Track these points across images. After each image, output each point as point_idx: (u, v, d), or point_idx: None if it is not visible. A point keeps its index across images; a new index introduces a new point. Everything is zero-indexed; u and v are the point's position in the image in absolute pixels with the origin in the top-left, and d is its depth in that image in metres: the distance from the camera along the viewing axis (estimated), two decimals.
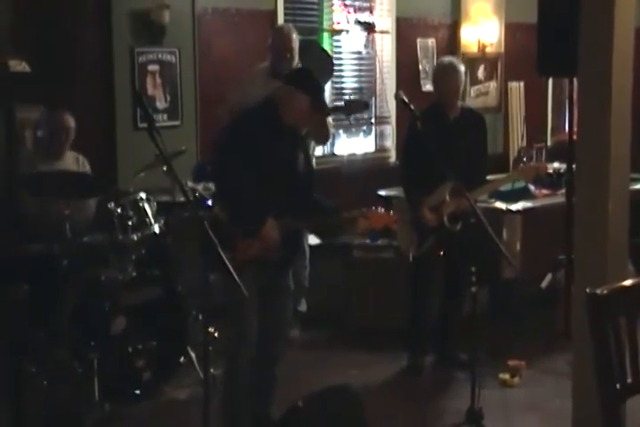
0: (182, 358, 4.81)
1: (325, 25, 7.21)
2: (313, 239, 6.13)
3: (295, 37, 5.60)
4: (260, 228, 3.88)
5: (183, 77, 6.13)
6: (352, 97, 6.08)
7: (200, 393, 3.73)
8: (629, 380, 2.45)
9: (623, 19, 3.48)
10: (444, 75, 5.15)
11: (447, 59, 5.40)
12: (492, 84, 8.32)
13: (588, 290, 2.42)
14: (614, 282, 2.57)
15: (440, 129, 4.74)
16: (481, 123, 5.27)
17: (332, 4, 7.22)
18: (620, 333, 2.43)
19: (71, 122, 4.94)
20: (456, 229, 5.00)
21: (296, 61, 5.62)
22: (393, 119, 7.60)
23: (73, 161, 5.04)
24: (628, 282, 2.57)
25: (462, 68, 5.19)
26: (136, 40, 5.88)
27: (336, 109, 5.72)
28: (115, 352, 4.53)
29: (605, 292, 2.42)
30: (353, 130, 7.50)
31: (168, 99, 6.06)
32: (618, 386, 2.42)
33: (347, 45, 7.41)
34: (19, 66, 4.82)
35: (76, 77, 5.62)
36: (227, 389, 4.09)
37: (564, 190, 5.99)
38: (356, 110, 5.97)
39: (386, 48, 7.60)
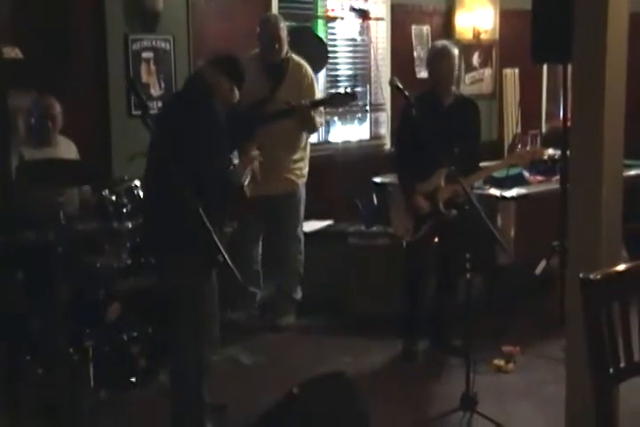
0: None
1: (320, 12, 7.18)
2: (308, 226, 6.13)
3: (283, 27, 5.56)
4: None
5: (177, 64, 6.10)
6: (342, 88, 5.98)
7: None
8: (622, 364, 2.46)
9: (617, 5, 3.47)
10: (438, 58, 5.14)
11: (440, 42, 5.38)
12: (487, 71, 8.31)
13: (581, 275, 2.43)
14: (608, 267, 2.57)
15: (433, 115, 4.73)
16: (474, 110, 5.27)
17: None
18: (614, 317, 2.44)
19: (57, 108, 4.92)
20: (451, 215, 5.01)
21: (285, 51, 5.58)
22: (388, 106, 7.58)
23: (65, 147, 5.03)
24: (621, 267, 2.58)
25: (456, 51, 5.18)
26: (130, 27, 5.85)
27: (321, 103, 5.65)
28: (110, 339, 4.54)
29: (599, 277, 2.43)
30: (348, 117, 7.48)
31: (162, 86, 6.03)
32: (611, 370, 2.43)
33: (341, 32, 7.38)
34: (12, 52, 4.80)
35: (69, 65, 5.60)
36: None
37: (558, 177, 6.00)
38: (342, 103, 5.90)
39: (380, 35, 7.58)
